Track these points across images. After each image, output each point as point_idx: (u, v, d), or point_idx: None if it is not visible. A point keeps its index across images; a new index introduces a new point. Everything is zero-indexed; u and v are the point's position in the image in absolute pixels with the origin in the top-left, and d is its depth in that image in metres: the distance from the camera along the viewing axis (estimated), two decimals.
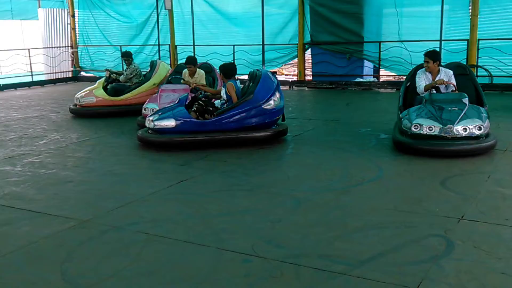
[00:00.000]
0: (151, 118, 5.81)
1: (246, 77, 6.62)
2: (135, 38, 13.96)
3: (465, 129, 4.94)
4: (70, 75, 14.70)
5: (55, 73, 14.39)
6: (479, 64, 9.84)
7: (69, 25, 14.72)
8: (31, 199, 4.16)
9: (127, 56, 8.46)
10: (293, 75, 12.88)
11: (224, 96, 5.92)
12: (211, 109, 5.88)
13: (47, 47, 14.27)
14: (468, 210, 3.62)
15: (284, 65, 13.26)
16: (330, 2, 11.02)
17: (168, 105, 6.15)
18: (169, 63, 13.32)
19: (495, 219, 3.45)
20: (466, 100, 5.27)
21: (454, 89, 5.50)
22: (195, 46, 12.82)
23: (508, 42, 9.65)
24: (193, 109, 5.90)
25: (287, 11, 11.73)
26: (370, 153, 5.30)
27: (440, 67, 5.65)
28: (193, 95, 6.27)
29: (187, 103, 6.01)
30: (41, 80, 13.78)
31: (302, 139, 6.14)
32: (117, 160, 5.47)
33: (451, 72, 5.63)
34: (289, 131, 6.51)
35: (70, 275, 2.85)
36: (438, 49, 9.60)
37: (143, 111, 6.87)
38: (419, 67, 5.86)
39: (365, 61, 11.22)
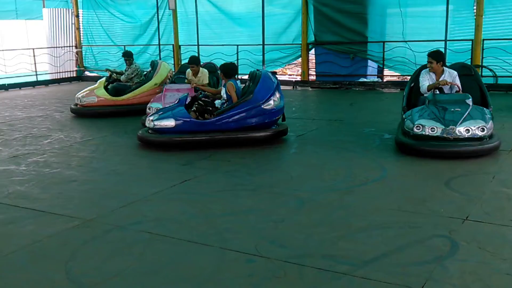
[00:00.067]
0: (151, 118, 5.83)
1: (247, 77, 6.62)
2: (139, 38, 13.99)
3: (467, 130, 4.91)
4: (74, 75, 14.75)
5: (60, 72, 14.44)
6: (483, 64, 9.80)
7: (73, 25, 14.77)
8: (35, 198, 4.17)
9: (128, 56, 8.48)
10: (296, 75, 12.87)
11: (224, 96, 5.93)
12: (210, 109, 5.89)
13: (52, 47, 14.32)
14: (472, 211, 3.60)
15: (288, 65, 13.25)
16: (334, 2, 10.99)
17: (168, 105, 6.17)
18: (172, 63, 13.34)
19: (500, 220, 3.44)
20: (469, 101, 5.24)
21: (458, 89, 5.47)
22: (199, 46, 12.82)
23: None
24: (192, 109, 5.91)
25: (290, 11, 11.72)
26: (374, 153, 5.28)
27: (445, 68, 5.63)
28: (194, 95, 6.28)
29: (187, 103, 6.02)
30: (45, 80, 13.83)
31: (306, 139, 6.13)
32: (121, 159, 5.48)
33: (456, 72, 5.60)
34: (292, 131, 6.51)
35: (74, 274, 2.85)
36: (442, 49, 9.58)
37: (148, 110, 6.88)
38: (424, 67, 5.84)
39: (369, 61, 11.19)
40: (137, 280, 2.77)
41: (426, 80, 5.59)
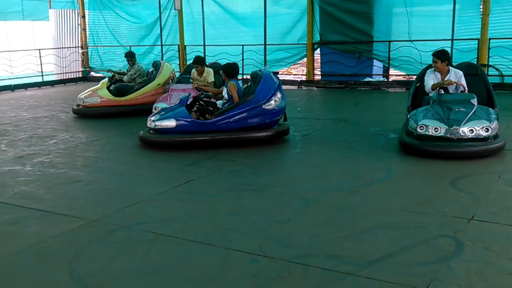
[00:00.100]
0: (152, 118, 5.86)
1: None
2: (144, 38, 14.03)
3: (471, 131, 4.85)
4: (80, 75, 14.82)
5: (65, 73, 14.52)
6: (490, 63, 9.73)
7: (79, 26, 14.84)
8: (40, 199, 4.19)
9: (130, 57, 8.51)
10: (302, 74, 12.85)
11: (226, 96, 5.93)
12: (211, 109, 5.90)
13: (58, 48, 14.40)
14: (478, 211, 3.58)
15: (293, 64, 13.24)
16: (340, 1, 10.97)
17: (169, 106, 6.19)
18: (178, 63, 13.37)
19: (506, 220, 3.41)
20: (474, 101, 5.20)
21: (463, 89, 5.43)
22: (206, 46, 12.84)
23: None
24: (194, 109, 5.92)
25: (296, 10, 11.71)
26: (379, 153, 5.26)
27: (450, 67, 5.59)
28: (196, 95, 6.28)
29: (188, 103, 6.02)
30: (51, 80, 13.90)
31: (311, 139, 6.12)
32: (126, 160, 5.50)
33: (461, 72, 5.56)
34: (297, 131, 6.50)
35: (79, 274, 2.86)
36: (448, 49, 9.53)
37: (154, 110, 6.90)
38: (429, 67, 5.81)
39: (374, 60, 11.15)
40: (141, 280, 2.77)
41: (431, 80, 5.56)
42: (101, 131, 7.02)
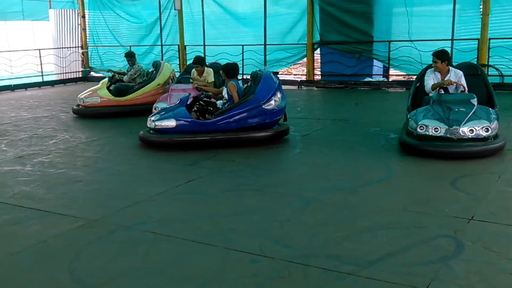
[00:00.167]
0: (152, 118, 5.87)
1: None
2: (144, 38, 14.03)
3: (471, 131, 4.85)
4: (80, 75, 14.81)
5: (65, 73, 14.52)
6: (490, 63, 9.73)
7: (79, 26, 14.84)
8: (40, 199, 4.19)
9: (130, 57, 8.50)
10: (301, 74, 12.85)
11: (226, 96, 5.93)
12: (211, 109, 5.90)
13: (58, 48, 14.40)
14: (478, 211, 3.58)
15: (293, 64, 13.24)
16: (340, 1, 10.97)
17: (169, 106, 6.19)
18: (178, 63, 13.38)
19: (506, 220, 3.41)
20: (474, 101, 5.20)
21: (463, 89, 5.43)
22: (206, 46, 12.83)
23: None
24: (193, 109, 5.93)
25: (296, 10, 11.71)
26: (379, 153, 5.26)
27: (450, 67, 5.59)
28: (196, 95, 6.28)
29: (188, 103, 6.03)
30: (51, 80, 13.90)
31: (311, 139, 6.12)
32: (126, 160, 5.50)
33: (461, 72, 5.56)
34: (297, 131, 6.50)
35: (79, 274, 2.86)
36: (449, 49, 9.53)
37: (154, 110, 6.90)
38: (429, 67, 5.81)
39: (374, 60, 11.15)
40: (141, 280, 2.77)
41: (431, 80, 5.56)
42: (101, 131, 7.02)
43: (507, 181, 4.25)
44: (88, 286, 2.73)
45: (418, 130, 5.00)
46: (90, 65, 15.08)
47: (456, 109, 5.05)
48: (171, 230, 3.43)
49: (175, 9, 12.90)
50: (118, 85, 8.33)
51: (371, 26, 10.87)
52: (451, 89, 5.49)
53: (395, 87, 10.56)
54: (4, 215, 3.82)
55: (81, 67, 15.00)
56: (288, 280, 2.70)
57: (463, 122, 4.88)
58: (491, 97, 5.61)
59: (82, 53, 14.99)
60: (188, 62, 12.61)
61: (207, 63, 7.70)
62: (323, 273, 2.76)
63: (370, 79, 11.17)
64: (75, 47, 14.81)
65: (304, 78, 11.95)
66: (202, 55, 12.23)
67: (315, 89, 11.20)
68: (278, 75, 6.22)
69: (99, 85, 8.33)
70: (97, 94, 8.12)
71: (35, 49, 13.64)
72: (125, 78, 8.43)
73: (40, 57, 13.51)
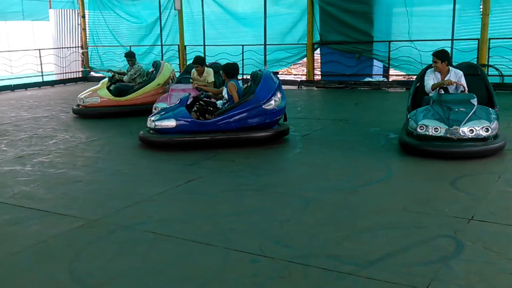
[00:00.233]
0: (152, 118, 5.87)
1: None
2: (144, 38, 14.03)
3: (471, 131, 4.85)
4: (80, 75, 14.82)
5: (65, 73, 14.52)
6: (490, 63, 9.73)
7: (79, 26, 14.85)
8: (40, 199, 4.19)
9: (130, 56, 8.50)
10: (301, 74, 12.85)
11: (226, 96, 5.94)
12: (211, 109, 5.90)
13: (58, 48, 14.40)
14: (478, 211, 3.58)
15: (293, 64, 13.24)
16: (340, 1, 10.97)
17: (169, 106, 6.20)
18: (178, 63, 13.38)
19: (506, 220, 3.41)
20: (474, 101, 5.20)
21: (463, 89, 5.43)
22: (206, 46, 12.84)
23: None
24: (193, 109, 5.93)
25: (296, 10, 11.71)
26: (379, 153, 5.26)
27: (450, 67, 5.59)
28: (196, 95, 6.28)
29: (188, 103, 6.03)
30: (51, 80, 13.91)
31: (311, 139, 6.12)
32: (126, 159, 5.50)
33: (461, 72, 5.56)
34: (297, 131, 6.50)
35: (79, 274, 2.86)
36: (449, 49, 9.53)
37: (154, 110, 6.90)
38: (429, 67, 5.81)
39: (374, 60, 11.16)
40: (141, 280, 2.77)
41: (431, 80, 5.56)
42: (101, 131, 7.02)
43: (507, 181, 4.25)
44: (88, 286, 2.73)
45: (418, 130, 5.00)
46: (90, 65, 15.08)
47: (456, 109, 5.05)
48: (171, 230, 3.43)
49: (175, 9, 12.90)
50: (118, 85, 8.33)
51: (371, 26, 10.88)
52: (451, 89, 5.49)
53: (395, 87, 10.56)
54: (4, 215, 3.82)
55: (81, 67, 15.00)
56: (288, 280, 2.70)
57: (463, 122, 4.88)
58: (491, 97, 5.61)
59: (82, 53, 14.99)
60: (188, 62, 12.64)
61: (207, 63, 7.70)
62: (323, 273, 2.76)
63: (370, 79, 11.17)
64: (75, 47, 14.82)
65: (304, 78, 11.95)
66: (202, 55, 12.23)
67: (315, 89, 11.20)
68: (278, 75, 6.21)
69: (99, 85, 8.32)
70: (97, 94, 8.11)
71: (35, 49, 13.64)
72: (125, 78, 8.43)
73: (40, 57, 13.51)
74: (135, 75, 8.42)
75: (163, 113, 5.89)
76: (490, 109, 5.26)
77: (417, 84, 5.98)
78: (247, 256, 3.00)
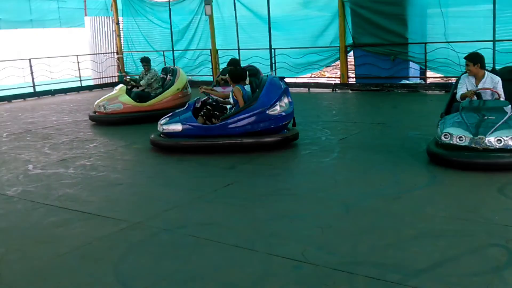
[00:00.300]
0: (161, 122, 5.98)
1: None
2: (177, 43, 14.24)
3: (499, 141, 4.50)
4: (116, 80, 15.15)
5: (102, 78, 14.91)
6: None
7: (114, 32, 15.22)
8: (84, 201, 4.29)
9: (146, 62, 8.56)
10: (335, 77, 12.72)
11: (231, 101, 5.94)
12: (217, 113, 5.92)
13: (94, 53, 14.80)
14: None
15: (326, 67, 13.12)
16: (372, 4, 10.80)
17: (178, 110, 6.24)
18: (211, 67, 13.51)
19: None
20: (508, 109, 4.87)
21: (498, 97, 5.16)
22: (240, 50, 12.88)
23: None
24: (200, 114, 5.97)
25: (327, 13, 11.61)
26: (420, 158, 5.10)
27: (487, 72, 5.31)
28: (204, 99, 6.25)
29: (198, 106, 6.08)
30: (89, 85, 14.30)
31: (348, 143, 6.03)
32: (164, 163, 5.56)
33: (499, 78, 5.25)
34: (334, 135, 6.42)
35: (124, 276, 2.90)
36: (490, 50, 9.18)
37: None
38: (465, 72, 5.56)
39: (410, 62, 10.91)
40: (185, 285, 2.78)
41: (463, 86, 5.32)
42: (137, 135, 7.07)
43: None
44: None
45: (443, 138, 4.73)
46: (125, 70, 15.41)
47: (485, 117, 4.73)
48: (212, 234, 3.43)
49: (205, 15, 13.04)
50: (139, 92, 8.42)
51: (405, 27, 10.65)
52: (487, 95, 5.23)
53: (433, 90, 10.29)
54: (50, 217, 3.93)
55: (117, 72, 15.36)
56: None
57: (490, 132, 4.54)
58: None
59: (118, 59, 15.34)
60: (221, 66, 12.74)
61: (242, 66, 7.71)
62: (369, 282, 2.69)
63: (407, 82, 10.93)
64: (111, 52, 15.18)
65: (338, 81, 11.82)
66: (236, 58, 12.28)
67: (350, 92, 11.06)
68: (285, 80, 6.10)
69: (117, 92, 8.30)
70: (119, 100, 8.11)
71: (72, 55, 14.05)
72: (143, 82, 8.47)
73: (78, 62, 13.91)
74: (152, 80, 8.50)
75: (169, 118, 5.98)
76: None
77: (454, 90, 5.75)
78: (289, 262, 2.97)
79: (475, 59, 5.25)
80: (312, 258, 2.99)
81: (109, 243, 3.39)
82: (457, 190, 4.20)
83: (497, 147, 4.51)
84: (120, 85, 8.56)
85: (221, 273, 2.90)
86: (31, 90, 12.73)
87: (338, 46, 11.38)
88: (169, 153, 5.88)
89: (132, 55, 15.27)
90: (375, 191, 4.21)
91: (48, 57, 13.71)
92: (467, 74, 5.38)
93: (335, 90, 11.33)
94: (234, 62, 7.33)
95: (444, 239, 3.18)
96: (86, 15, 14.91)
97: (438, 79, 11.09)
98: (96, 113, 8.24)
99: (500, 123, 4.63)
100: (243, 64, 9.81)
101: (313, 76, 14.10)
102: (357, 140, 6.17)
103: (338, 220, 3.63)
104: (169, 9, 13.93)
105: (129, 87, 8.49)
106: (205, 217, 3.79)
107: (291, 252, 3.08)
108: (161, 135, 6.01)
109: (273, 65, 12.10)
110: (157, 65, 13.79)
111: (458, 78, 5.65)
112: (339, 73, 11.85)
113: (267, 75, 6.05)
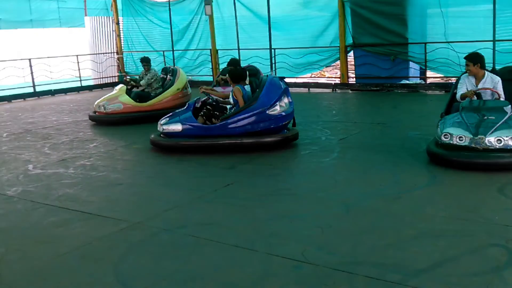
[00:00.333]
0: (161, 122, 5.98)
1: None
2: (177, 43, 14.24)
3: (499, 141, 4.49)
4: (116, 80, 15.15)
5: (102, 78, 14.91)
6: None
7: (114, 32, 15.22)
8: (84, 201, 4.29)
9: (146, 62, 8.55)
10: (335, 77, 12.72)
11: (231, 101, 5.94)
12: (217, 113, 5.92)
13: (94, 53, 14.80)
14: None
15: (326, 67, 13.12)
16: (371, 4, 10.80)
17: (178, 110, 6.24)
18: (211, 67, 13.51)
19: None
20: (508, 109, 4.87)
21: (498, 97, 5.15)
22: (240, 50, 12.89)
23: None
24: (200, 114, 5.97)
25: (327, 13, 11.61)
26: (420, 158, 5.10)
27: (487, 72, 5.31)
28: (204, 99, 6.25)
29: (198, 106, 6.08)
30: (89, 85, 14.30)
31: (348, 143, 6.03)
32: (164, 163, 5.56)
33: (499, 78, 5.25)
34: (334, 135, 6.42)
35: (124, 276, 2.90)
36: (490, 50, 9.18)
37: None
38: (465, 72, 5.56)
39: (410, 62, 10.91)
40: (185, 285, 2.78)
41: (464, 86, 5.33)
42: (137, 135, 7.09)
43: None
44: None
45: (443, 138, 4.73)
46: (125, 70, 15.41)
47: (486, 117, 4.73)
48: (212, 234, 3.43)
49: (205, 15, 13.04)
50: (139, 92, 8.42)
51: (405, 27, 10.64)
52: (487, 95, 5.23)
53: (433, 90, 10.29)
54: (50, 217, 3.93)
55: (117, 72, 15.36)
56: None
57: (490, 131, 4.54)
58: None
59: (118, 59, 15.34)
60: (221, 66, 12.74)
61: (242, 66, 7.71)
62: (369, 282, 2.69)
63: (407, 82, 10.93)
64: (111, 52, 15.19)
65: (338, 81, 11.82)
66: (236, 58, 12.28)
67: (350, 92, 11.06)
68: (285, 80, 6.10)
69: (117, 92, 8.30)
70: (119, 100, 8.11)
71: (72, 55, 14.05)
72: (143, 82, 8.47)
73: (78, 62, 13.91)
74: (152, 80, 8.49)
75: (169, 118, 5.98)
76: None
77: (454, 91, 5.75)
78: (289, 262, 2.97)
79: (475, 59, 5.25)
80: (312, 258, 2.99)
81: (109, 243, 3.39)
82: (457, 190, 4.20)
83: (497, 147, 4.51)
84: (120, 85, 8.55)
85: (221, 273, 2.90)
86: (31, 90, 12.74)
87: (338, 46, 11.38)
88: (169, 153, 5.88)
89: (132, 55, 15.27)
90: (375, 191, 4.21)
91: (48, 57, 13.71)
92: (467, 74, 5.38)
93: (335, 90, 11.33)
94: (234, 62, 7.33)
95: (444, 239, 3.18)
96: (86, 15, 14.92)
97: (438, 79, 11.09)
98: (96, 113, 8.23)
99: (500, 123, 4.63)
100: (243, 64, 9.81)
101: (313, 76, 14.10)
102: (357, 140, 6.17)
103: (338, 220, 3.63)
104: (169, 9, 13.94)
105: (129, 87, 8.48)
106: (205, 217, 3.79)
107: (291, 252, 3.08)
108: (161, 135, 6.02)
109: (273, 65, 12.12)
110: (157, 65, 13.78)
111: (458, 78, 5.64)
112: (339, 73, 11.85)
113: (267, 75, 6.05)
